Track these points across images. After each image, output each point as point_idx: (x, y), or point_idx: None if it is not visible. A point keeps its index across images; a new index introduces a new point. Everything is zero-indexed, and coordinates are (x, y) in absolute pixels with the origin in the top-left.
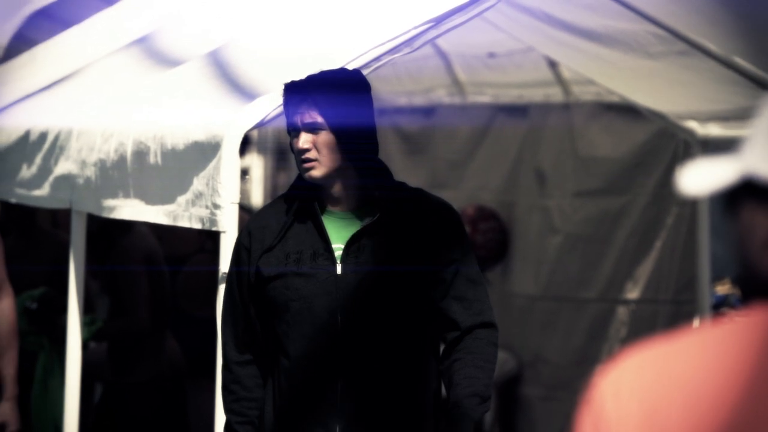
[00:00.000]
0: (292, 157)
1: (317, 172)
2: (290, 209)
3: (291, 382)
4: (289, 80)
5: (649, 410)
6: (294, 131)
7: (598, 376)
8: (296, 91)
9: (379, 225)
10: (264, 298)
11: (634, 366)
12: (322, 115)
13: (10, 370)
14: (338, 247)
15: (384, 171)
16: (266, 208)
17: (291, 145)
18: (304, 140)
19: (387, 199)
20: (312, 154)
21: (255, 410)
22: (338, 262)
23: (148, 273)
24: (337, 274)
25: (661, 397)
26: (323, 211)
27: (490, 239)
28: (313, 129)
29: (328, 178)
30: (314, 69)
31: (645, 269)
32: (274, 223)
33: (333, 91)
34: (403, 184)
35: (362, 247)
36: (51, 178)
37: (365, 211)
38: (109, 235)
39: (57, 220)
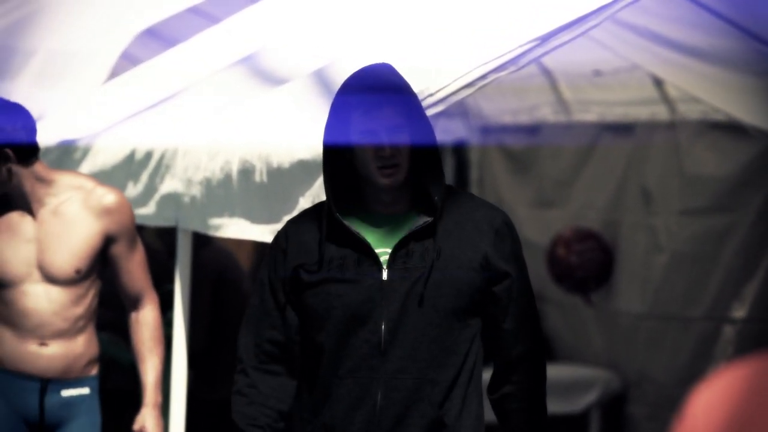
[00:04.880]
0: None
1: (401, 177)
2: (333, 212)
3: (329, 393)
4: (356, 82)
5: (739, 428)
6: (374, 137)
7: (694, 394)
8: (375, 94)
9: (430, 229)
10: (302, 305)
11: (728, 384)
12: (405, 117)
13: (150, 377)
14: (385, 252)
15: (440, 172)
16: (307, 212)
17: (362, 151)
18: (390, 145)
19: (439, 202)
20: (397, 159)
21: (268, 418)
22: (384, 267)
23: (218, 289)
24: (383, 280)
25: (752, 415)
26: (371, 214)
27: (587, 260)
28: (396, 133)
29: (403, 182)
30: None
31: (752, 288)
32: (315, 226)
33: (403, 92)
34: (451, 187)
35: (411, 251)
36: (157, 197)
37: (416, 213)
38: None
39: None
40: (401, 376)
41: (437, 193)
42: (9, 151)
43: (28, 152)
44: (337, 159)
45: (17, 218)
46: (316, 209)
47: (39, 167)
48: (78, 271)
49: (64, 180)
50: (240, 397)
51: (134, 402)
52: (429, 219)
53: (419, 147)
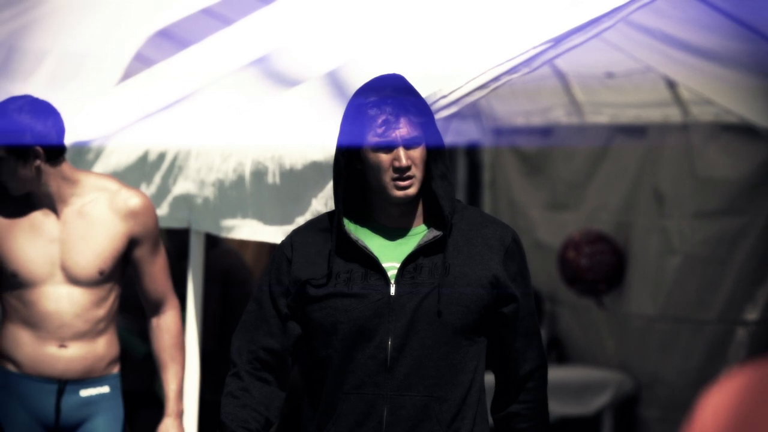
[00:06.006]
0: None
1: (414, 190)
2: (340, 225)
3: (334, 408)
4: (371, 92)
5: (749, 431)
6: (386, 147)
7: (704, 397)
8: (391, 104)
9: (439, 244)
10: (307, 319)
11: (738, 386)
12: (421, 128)
13: (172, 385)
14: (393, 266)
15: (450, 186)
16: (314, 222)
17: (376, 161)
18: (407, 157)
19: (449, 217)
20: (413, 171)
21: (258, 424)
22: (392, 282)
23: (225, 291)
24: (391, 296)
25: (762, 418)
26: (379, 226)
27: (597, 262)
28: (413, 144)
29: (416, 195)
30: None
31: (764, 290)
32: (322, 238)
33: (419, 103)
34: (460, 202)
35: (419, 267)
36: (170, 198)
37: (425, 227)
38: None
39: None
40: (408, 393)
41: (447, 208)
42: (39, 149)
43: (57, 152)
44: (348, 170)
45: (41, 218)
46: (323, 220)
47: (65, 167)
48: (101, 272)
49: (88, 181)
50: (232, 399)
51: (145, 403)
52: (438, 234)
53: (431, 160)
